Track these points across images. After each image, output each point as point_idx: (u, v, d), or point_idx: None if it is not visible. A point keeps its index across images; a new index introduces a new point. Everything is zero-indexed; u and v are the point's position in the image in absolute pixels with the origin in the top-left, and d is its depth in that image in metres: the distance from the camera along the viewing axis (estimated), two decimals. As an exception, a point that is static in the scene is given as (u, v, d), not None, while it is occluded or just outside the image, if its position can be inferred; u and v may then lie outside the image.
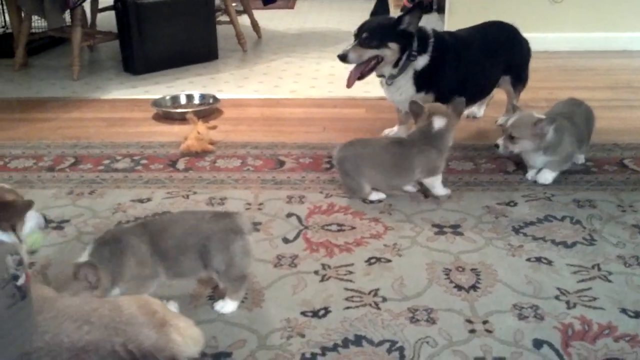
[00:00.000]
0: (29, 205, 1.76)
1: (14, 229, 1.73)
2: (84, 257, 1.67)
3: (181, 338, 1.43)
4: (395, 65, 2.72)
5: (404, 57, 2.70)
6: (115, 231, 1.80)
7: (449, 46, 2.78)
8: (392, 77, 2.77)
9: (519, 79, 3.11)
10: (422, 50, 2.72)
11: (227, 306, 1.77)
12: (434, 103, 2.60)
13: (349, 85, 2.75)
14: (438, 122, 2.38)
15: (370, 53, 2.68)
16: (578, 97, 2.89)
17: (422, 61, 2.72)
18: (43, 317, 1.38)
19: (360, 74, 2.73)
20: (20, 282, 1.17)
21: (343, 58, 2.68)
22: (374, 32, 2.65)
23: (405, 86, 2.77)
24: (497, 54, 2.97)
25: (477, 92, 3.04)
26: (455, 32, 3.02)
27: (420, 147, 2.38)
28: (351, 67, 2.75)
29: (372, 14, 2.82)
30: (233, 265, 1.74)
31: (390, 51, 2.67)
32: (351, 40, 2.73)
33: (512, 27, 3.08)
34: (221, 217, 1.79)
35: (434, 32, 2.78)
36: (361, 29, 2.69)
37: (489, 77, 3.02)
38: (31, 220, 1.83)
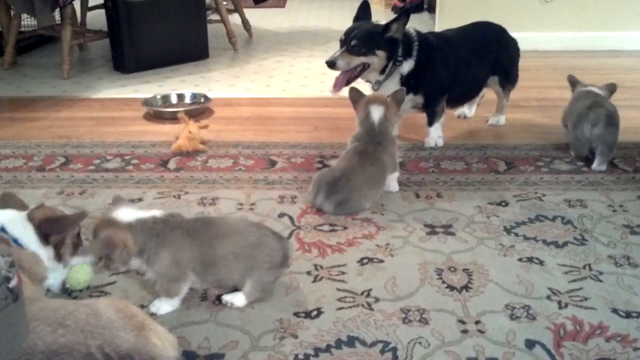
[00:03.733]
0: (80, 217, 1.82)
1: (56, 247, 1.76)
2: (134, 215, 1.73)
3: (160, 341, 1.42)
4: (382, 71, 2.72)
5: (390, 64, 2.71)
6: (177, 221, 1.78)
7: (434, 48, 2.79)
8: (379, 83, 2.77)
9: (508, 79, 3.12)
10: (407, 55, 2.73)
11: (238, 300, 1.78)
12: (375, 92, 2.64)
13: (337, 91, 2.74)
14: (376, 112, 2.41)
15: (358, 60, 2.68)
16: (568, 97, 2.92)
17: (407, 66, 2.73)
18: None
19: (347, 81, 2.73)
20: (13, 284, 1.16)
21: (332, 65, 2.68)
22: (362, 40, 2.65)
23: (393, 90, 2.76)
24: (485, 54, 2.99)
25: (466, 92, 3.06)
26: (441, 32, 3.03)
27: (381, 146, 2.39)
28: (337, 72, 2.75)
29: (355, 19, 2.81)
30: (268, 280, 1.79)
31: (378, 58, 2.68)
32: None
33: (500, 27, 3.10)
34: (279, 239, 1.83)
35: (419, 34, 2.78)
36: (348, 35, 2.68)
37: (477, 77, 3.03)
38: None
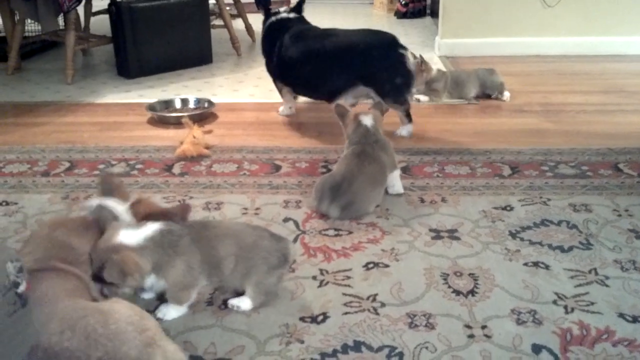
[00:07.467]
0: (184, 210, 1.82)
1: None
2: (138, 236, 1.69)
3: None
4: None
5: None
6: (180, 228, 1.76)
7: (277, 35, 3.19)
8: None
9: (384, 94, 2.99)
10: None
11: (244, 304, 1.79)
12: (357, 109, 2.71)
13: None
14: (367, 120, 2.47)
15: None
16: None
17: None
18: (41, 310, 1.37)
19: None
20: (21, 289, 1.16)
21: None
22: None
23: None
24: (342, 60, 3.01)
25: (309, 86, 3.25)
26: (312, 27, 3.24)
27: (378, 144, 2.42)
28: None
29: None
30: (269, 283, 1.79)
31: None
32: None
33: (387, 39, 3.01)
34: (277, 239, 1.83)
35: (278, 20, 3.24)
36: None
37: (325, 76, 3.08)
38: None
